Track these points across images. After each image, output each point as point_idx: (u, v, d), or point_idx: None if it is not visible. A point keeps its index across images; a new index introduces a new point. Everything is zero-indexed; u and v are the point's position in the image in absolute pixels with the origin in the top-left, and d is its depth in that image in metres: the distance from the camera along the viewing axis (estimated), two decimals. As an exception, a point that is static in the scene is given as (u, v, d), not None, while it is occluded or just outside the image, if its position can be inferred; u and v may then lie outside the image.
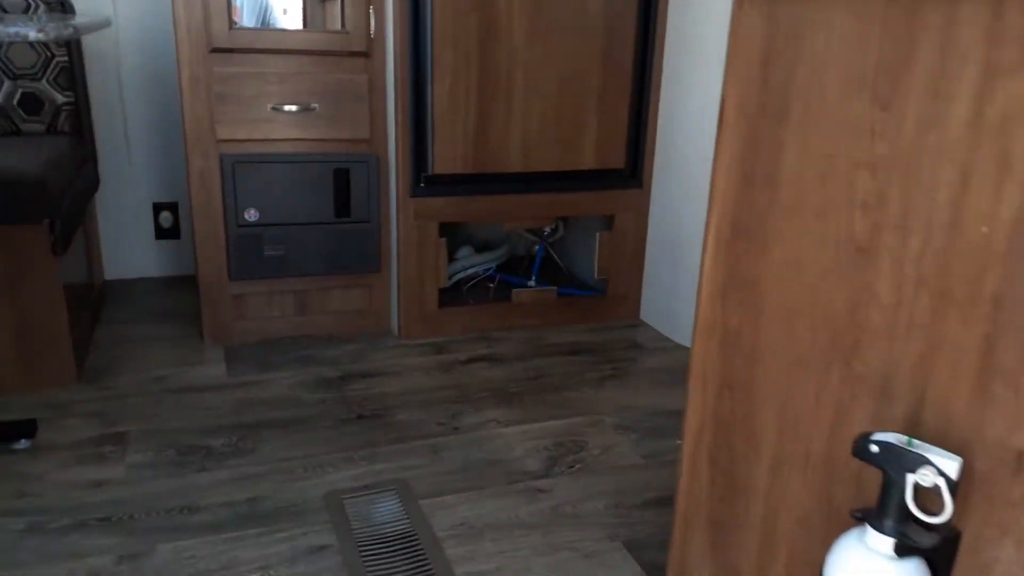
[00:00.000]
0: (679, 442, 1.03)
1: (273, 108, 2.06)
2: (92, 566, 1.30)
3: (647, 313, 2.47)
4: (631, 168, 2.35)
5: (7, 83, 2.13)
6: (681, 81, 2.22)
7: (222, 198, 2.09)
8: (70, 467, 1.58)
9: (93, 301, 2.31)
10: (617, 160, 2.32)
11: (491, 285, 2.55)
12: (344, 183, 2.18)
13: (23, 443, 1.64)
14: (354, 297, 2.32)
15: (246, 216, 2.11)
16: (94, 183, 2.36)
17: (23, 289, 1.81)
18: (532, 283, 2.54)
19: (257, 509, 1.47)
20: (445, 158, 2.15)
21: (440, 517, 1.47)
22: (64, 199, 1.91)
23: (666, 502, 1.53)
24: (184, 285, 2.63)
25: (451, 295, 2.39)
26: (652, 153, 2.35)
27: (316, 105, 2.09)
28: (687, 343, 2.30)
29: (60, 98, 2.20)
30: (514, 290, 2.40)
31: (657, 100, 2.31)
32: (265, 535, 1.40)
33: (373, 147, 2.19)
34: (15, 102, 2.14)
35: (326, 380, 2.01)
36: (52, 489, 1.51)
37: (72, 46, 2.25)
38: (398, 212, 2.19)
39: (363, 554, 1.36)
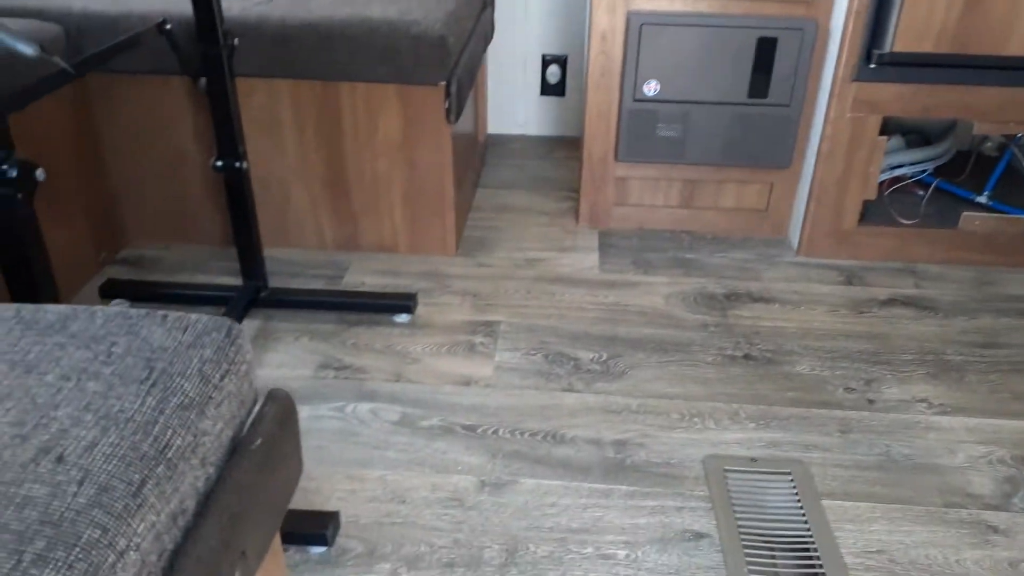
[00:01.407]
0: None
1: (696, -44, 1.67)
2: (456, 486, 1.23)
3: None
4: None
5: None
6: None
7: (622, 66, 1.80)
8: (442, 355, 1.52)
9: (477, 161, 2.23)
10: None
11: (922, 193, 1.99)
12: (767, 56, 1.75)
13: (403, 317, 1.62)
14: (750, 194, 1.95)
15: (645, 89, 1.81)
16: (490, 33, 2.21)
17: (415, 153, 1.75)
18: (984, 199, 1.93)
19: (626, 457, 1.28)
20: (913, 31, 1.60)
21: (849, 532, 1.15)
22: (462, 58, 1.77)
23: None
24: (562, 148, 2.46)
25: (872, 208, 1.90)
26: None
27: (750, -48, 1.65)
28: None
29: (466, -64, 2.02)
30: (965, 213, 1.83)
31: None
32: (634, 497, 1.21)
33: (813, 11, 1.71)
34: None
35: (708, 297, 1.72)
36: (425, 376, 1.46)
37: None
38: (831, 98, 1.72)
39: (749, 560, 1.10)
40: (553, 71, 2.46)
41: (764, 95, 1.78)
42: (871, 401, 1.41)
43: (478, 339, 1.57)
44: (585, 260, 1.86)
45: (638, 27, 1.74)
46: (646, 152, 1.89)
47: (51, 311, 0.68)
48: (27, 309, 0.68)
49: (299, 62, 1.64)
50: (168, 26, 1.33)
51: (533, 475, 1.25)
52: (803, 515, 1.18)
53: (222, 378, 0.64)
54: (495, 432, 1.34)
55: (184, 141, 1.76)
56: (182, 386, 0.61)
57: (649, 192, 1.97)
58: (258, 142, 1.75)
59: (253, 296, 1.59)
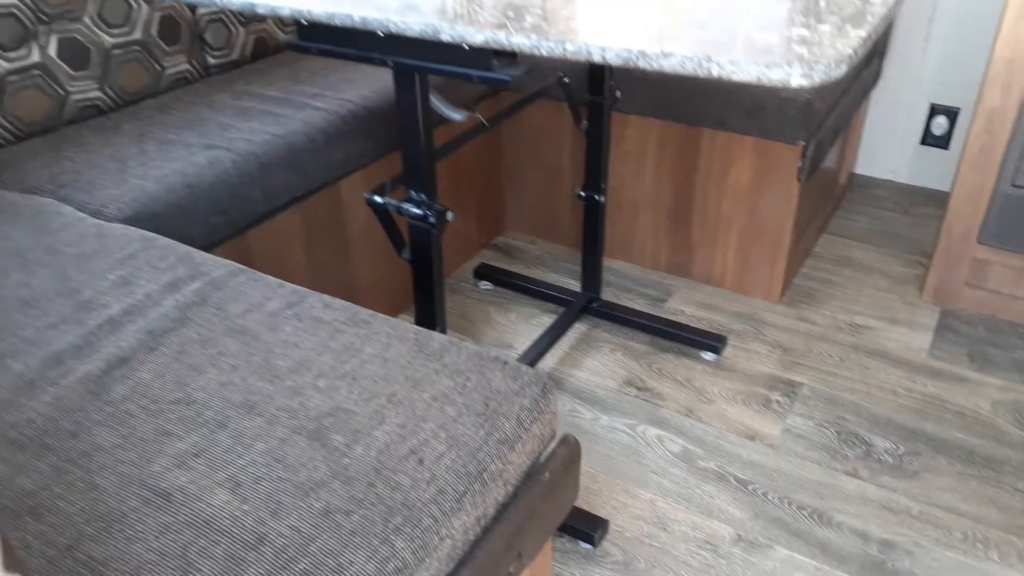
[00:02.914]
0: None
1: None
2: (714, 532, 1.36)
3: None
4: None
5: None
6: None
7: (1005, 148, 1.68)
8: (736, 403, 1.63)
9: (830, 204, 2.23)
10: None
11: None
12: None
13: (710, 355, 1.75)
14: None
15: (1029, 177, 1.67)
16: (873, 82, 2.16)
17: (759, 200, 1.83)
18: None
19: (888, 560, 1.30)
20: None
21: None
22: (827, 120, 1.80)
23: None
24: (930, 203, 2.33)
25: None
26: None
27: None
28: None
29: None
30: None
31: None
32: (882, 602, 1.24)
33: None
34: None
35: (1048, 415, 1.58)
36: (715, 419, 1.59)
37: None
38: None
39: None
40: (939, 123, 2.31)
41: None
42: None
43: (775, 396, 1.65)
44: (915, 339, 1.80)
45: (1036, 113, 1.61)
46: (1015, 241, 1.75)
47: (436, 340, 0.96)
48: (422, 334, 0.97)
49: (672, 107, 1.82)
50: (566, 79, 1.59)
51: (788, 546, 1.33)
52: None
53: (531, 423, 0.87)
54: (765, 493, 1.43)
55: (562, 156, 2.06)
56: (504, 425, 0.85)
57: (1011, 281, 1.82)
58: (622, 167, 1.98)
59: (586, 305, 1.85)
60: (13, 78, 1.40)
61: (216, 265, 1.10)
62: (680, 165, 1.90)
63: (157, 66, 1.63)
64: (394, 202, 1.18)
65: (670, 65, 0.83)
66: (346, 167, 1.59)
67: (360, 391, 0.88)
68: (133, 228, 1.18)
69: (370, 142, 1.62)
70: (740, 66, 0.80)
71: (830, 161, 2.11)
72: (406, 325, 0.99)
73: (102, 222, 1.20)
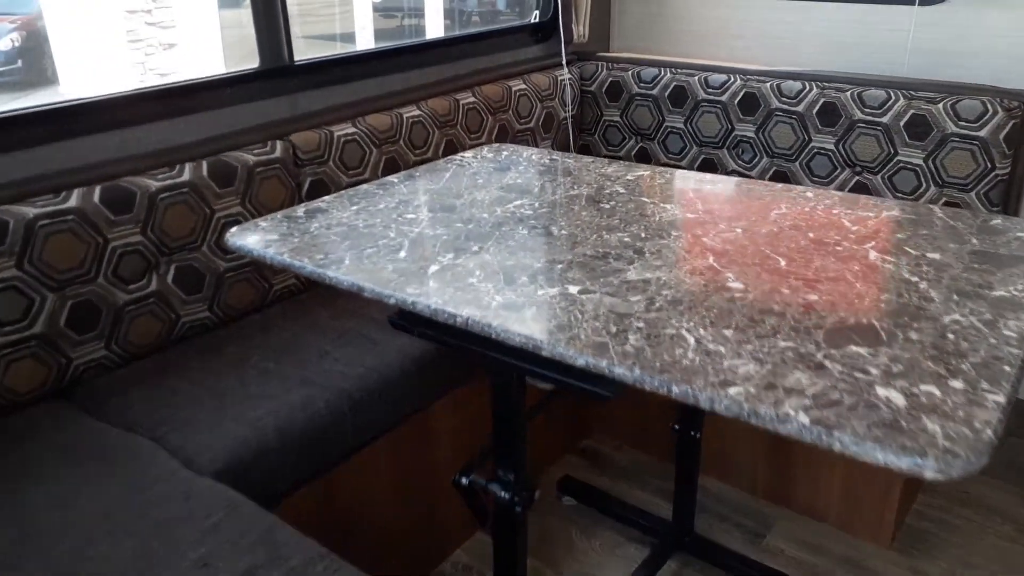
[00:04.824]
0: None
1: None
2: None
3: None
4: None
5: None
6: None
7: None
8: None
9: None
10: None
11: None
12: None
13: (813, 615, 1.60)
14: None
15: None
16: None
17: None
18: None
19: None
20: None
21: None
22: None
23: None
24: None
25: None
26: None
27: None
28: None
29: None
30: None
31: None
32: None
33: None
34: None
35: None
36: None
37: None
38: None
39: None
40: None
41: None
42: None
43: (888, 677, 1.47)
44: (1049, 611, 1.60)
45: None
46: None
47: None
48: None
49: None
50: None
51: None
52: None
53: None
54: None
55: (655, 366, 2.00)
56: None
57: None
58: (718, 386, 1.90)
59: (677, 540, 1.74)
60: (131, 308, 1.47)
61: (296, 549, 1.07)
62: (781, 391, 1.81)
63: (265, 284, 1.69)
64: (481, 481, 1.14)
65: (786, 430, 0.78)
66: (436, 393, 1.58)
67: None
68: (220, 487, 1.18)
69: (461, 369, 1.61)
70: (864, 448, 0.74)
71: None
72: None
73: (193, 475, 1.21)
